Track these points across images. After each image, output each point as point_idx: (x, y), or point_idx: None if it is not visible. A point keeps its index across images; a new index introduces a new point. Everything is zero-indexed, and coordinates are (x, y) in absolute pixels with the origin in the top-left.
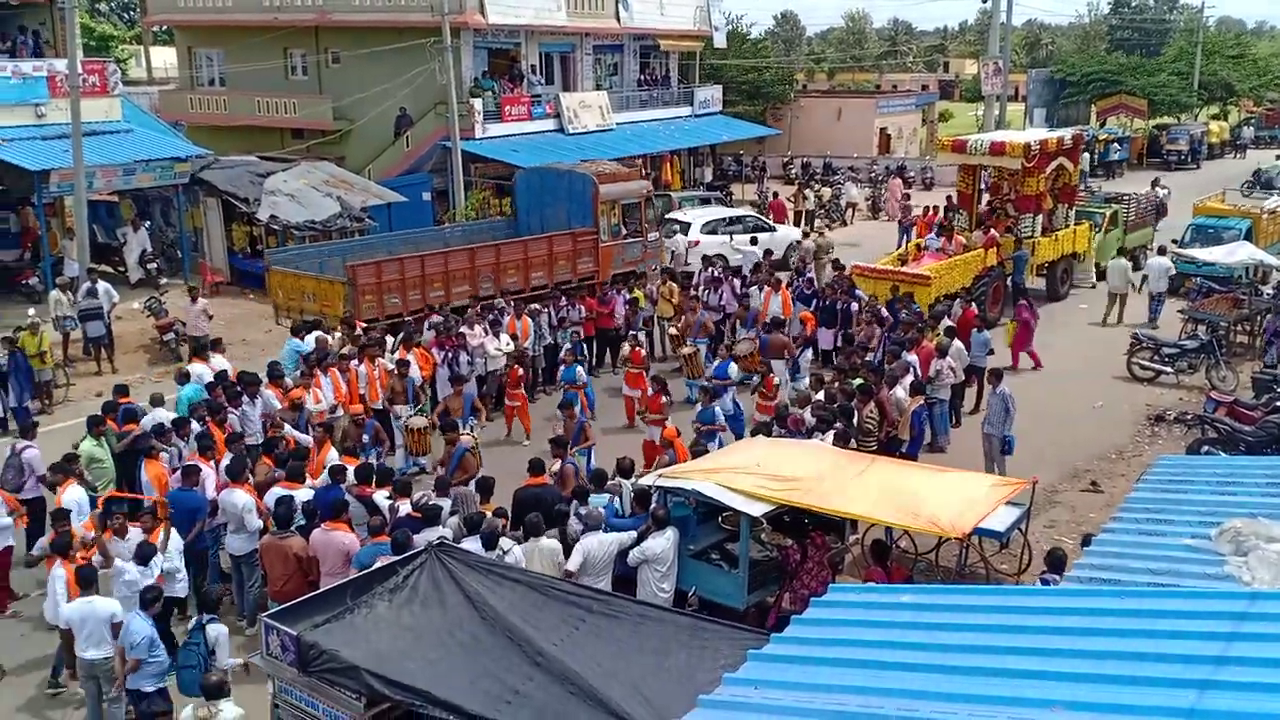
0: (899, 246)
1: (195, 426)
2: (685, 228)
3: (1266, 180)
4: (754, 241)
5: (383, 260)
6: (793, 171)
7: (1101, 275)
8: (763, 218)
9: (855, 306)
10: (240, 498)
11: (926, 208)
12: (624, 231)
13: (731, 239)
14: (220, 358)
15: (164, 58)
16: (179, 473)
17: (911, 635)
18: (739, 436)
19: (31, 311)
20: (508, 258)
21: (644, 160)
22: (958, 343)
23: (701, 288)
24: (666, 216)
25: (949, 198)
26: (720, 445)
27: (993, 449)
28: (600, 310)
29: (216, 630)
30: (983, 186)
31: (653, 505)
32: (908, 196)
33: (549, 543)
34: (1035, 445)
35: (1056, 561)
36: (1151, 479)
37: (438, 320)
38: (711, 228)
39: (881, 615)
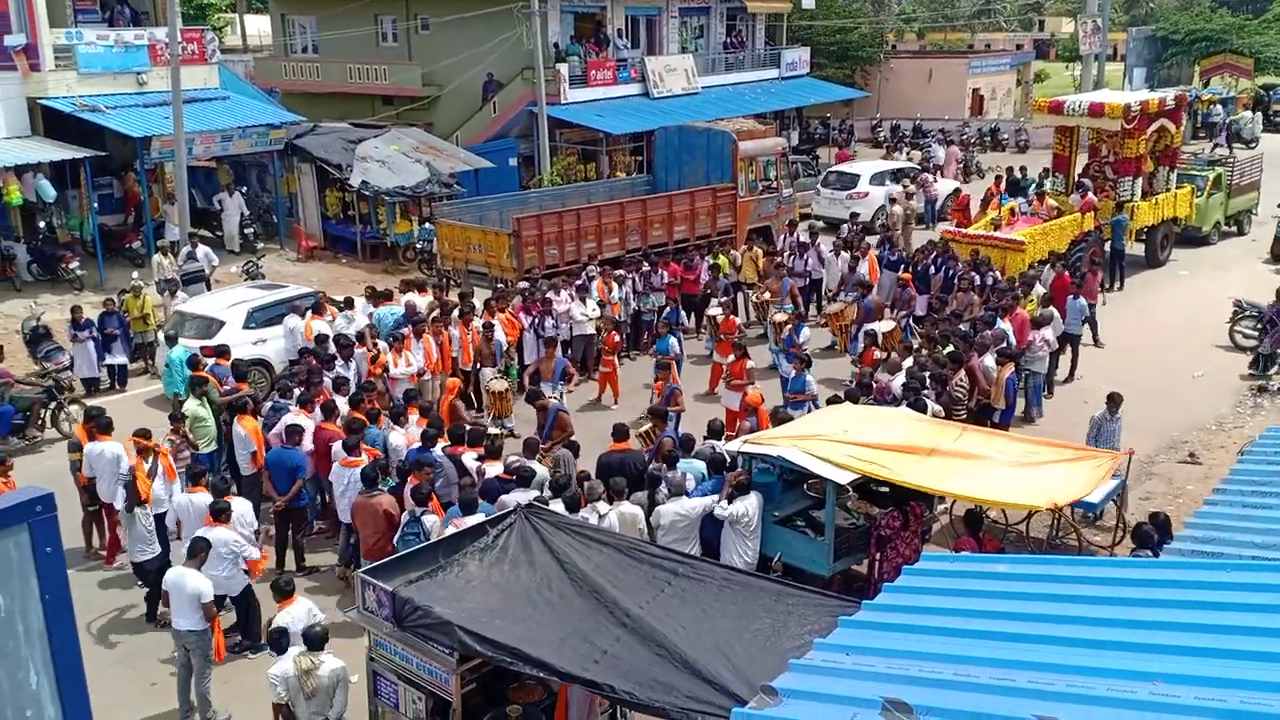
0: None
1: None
2: (854, 179)
3: (1235, 131)
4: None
5: (544, 214)
6: (881, 134)
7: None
8: (921, 169)
9: (957, 271)
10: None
11: (957, 188)
12: (760, 187)
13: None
14: (320, 321)
15: (258, 25)
16: (283, 431)
17: (1008, 605)
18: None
19: (135, 275)
20: (653, 212)
21: None
22: (1057, 315)
23: (787, 253)
24: (830, 170)
25: (1009, 168)
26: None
27: None
28: (685, 276)
29: (432, 520)
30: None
31: (736, 470)
32: (964, 164)
33: (631, 508)
34: (1132, 415)
35: (1143, 536)
36: (1256, 451)
37: (524, 285)
38: (880, 179)
39: (976, 585)
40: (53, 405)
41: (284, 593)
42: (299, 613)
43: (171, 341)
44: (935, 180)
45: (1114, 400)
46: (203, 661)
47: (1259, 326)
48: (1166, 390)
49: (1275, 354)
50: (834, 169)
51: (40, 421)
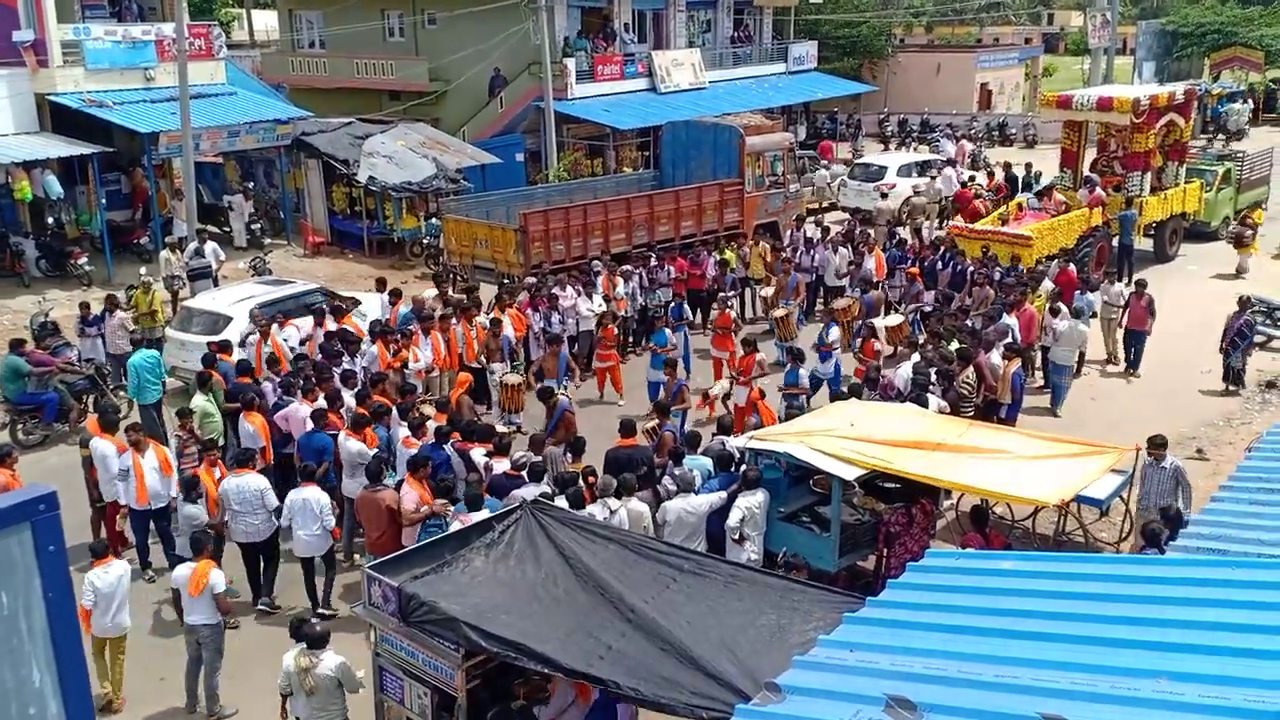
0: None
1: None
2: (881, 171)
3: (1222, 123)
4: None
5: (550, 209)
6: (889, 129)
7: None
8: (946, 161)
9: (965, 267)
10: (355, 445)
11: (963, 182)
12: (767, 182)
13: (935, 180)
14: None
15: (265, 20)
16: (310, 416)
17: (1012, 602)
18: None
19: (143, 270)
20: (660, 208)
21: None
22: (1065, 309)
23: (793, 249)
24: (858, 161)
25: (1006, 164)
26: (803, 409)
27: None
28: (692, 271)
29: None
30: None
31: (745, 467)
32: (974, 159)
33: (638, 506)
34: (1139, 411)
35: (1152, 534)
36: (1264, 448)
37: (530, 281)
38: (907, 170)
39: (981, 581)
40: (95, 393)
41: (97, 553)
42: (111, 575)
43: (137, 345)
44: (961, 172)
45: (1156, 443)
46: (214, 655)
47: (1224, 341)
48: (1174, 386)
49: (1245, 367)
50: (860, 161)
51: (83, 409)
